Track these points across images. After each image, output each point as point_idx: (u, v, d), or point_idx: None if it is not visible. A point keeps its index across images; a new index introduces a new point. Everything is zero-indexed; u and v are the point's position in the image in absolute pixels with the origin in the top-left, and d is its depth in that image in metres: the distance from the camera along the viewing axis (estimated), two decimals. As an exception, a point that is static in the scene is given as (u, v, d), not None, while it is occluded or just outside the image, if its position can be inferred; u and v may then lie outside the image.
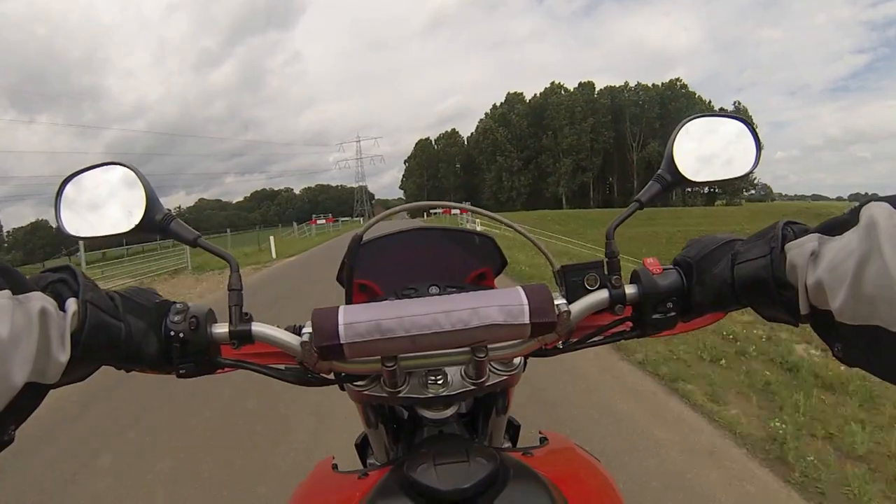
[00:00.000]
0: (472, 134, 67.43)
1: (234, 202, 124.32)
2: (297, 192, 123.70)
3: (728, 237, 0.45)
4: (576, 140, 56.25)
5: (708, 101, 60.57)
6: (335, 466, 0.58)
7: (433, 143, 71.17)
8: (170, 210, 0.49)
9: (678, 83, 58.46)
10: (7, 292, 0.30)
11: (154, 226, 0.48)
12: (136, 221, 0.48)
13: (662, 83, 58.99)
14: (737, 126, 0.52)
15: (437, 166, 68.54)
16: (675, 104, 55.66)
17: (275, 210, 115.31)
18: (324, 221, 29.50)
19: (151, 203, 0.48)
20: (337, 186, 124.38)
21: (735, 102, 61.83)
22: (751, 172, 0.52)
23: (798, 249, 0.34)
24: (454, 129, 71.46)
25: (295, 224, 26.99)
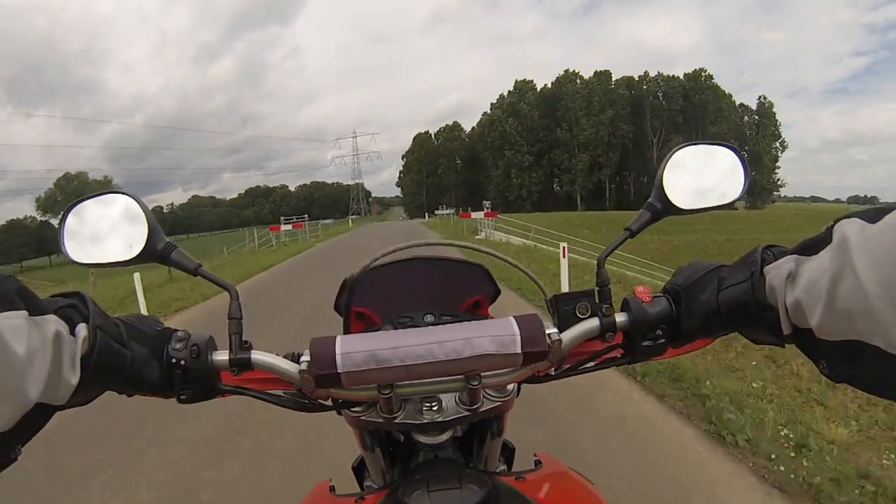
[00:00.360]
0: (474, 128, 62.19)
1: (227, 199, 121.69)
2: (292, 189, 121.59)
3: (714, 264, 0.46)
4: (593, 133, 50.82)
5: (729, 94, 55.25)
6: (332, 489, 0.59)
7: (433, 137, 66.53)
8: (170, 240, 0.51)
9: (703, 74, 53.99)
10: (24, 313, 0.31)
11: (155, 255, 0.50)
12: (138, 251, 0.49)
13: (685, 74, 54.68)
14: (726, 153, 0.53)
15: (437, 162, 63.76)
16: (700, 96, 52.09)
17: (269, 207, 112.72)
18: (289, 227, 20.81)
19: (153, 232, 0.49)
20: (333, 184, 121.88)
21: (760, 97, 55.91)
22: (739, 199, 0.53)
23: (776, 272, 0.35)
24: (456, 122, 66.50)
25: (255, 232, 18.64)
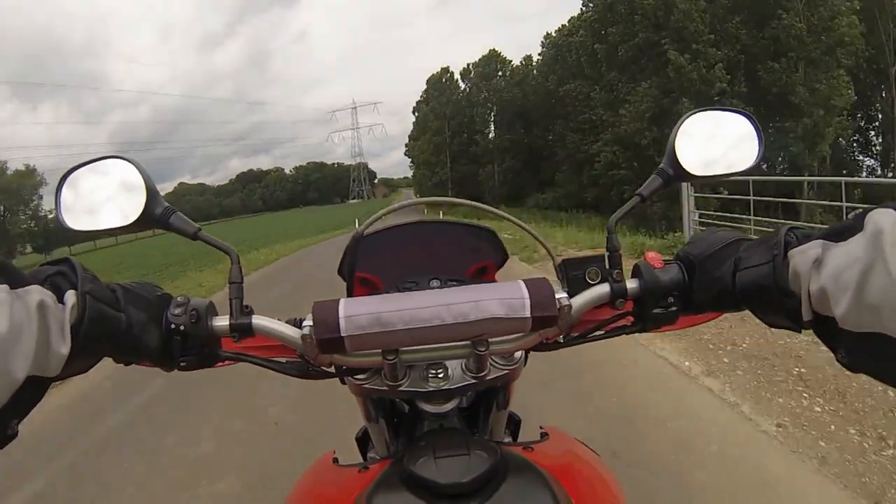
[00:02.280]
0: (530, 63, 35.95)
1: (215, 186, 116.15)
2: (287, 171, 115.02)
3: (733, 236, 0.45)
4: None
5: None
6: (336, 460, 0.60)
7: (458, 77, 40.16)
8: (169, 204, 0.50)
9: None
10: (5, 287, 0.30)
11: (154, 220, 0.49)
12: (137, 215, 0.49)
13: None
14: (741, 121, 0.53)
15: (470, 114, 37.86)
16: None
17: (260, 193, 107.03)
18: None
19: (151, 197, 0.49)
20: (333, 164, 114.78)
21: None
22: (754, 168, 0.52)
23: (801, 256, 0.34)
24: (494, 51, 38.44)
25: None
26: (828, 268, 0.32)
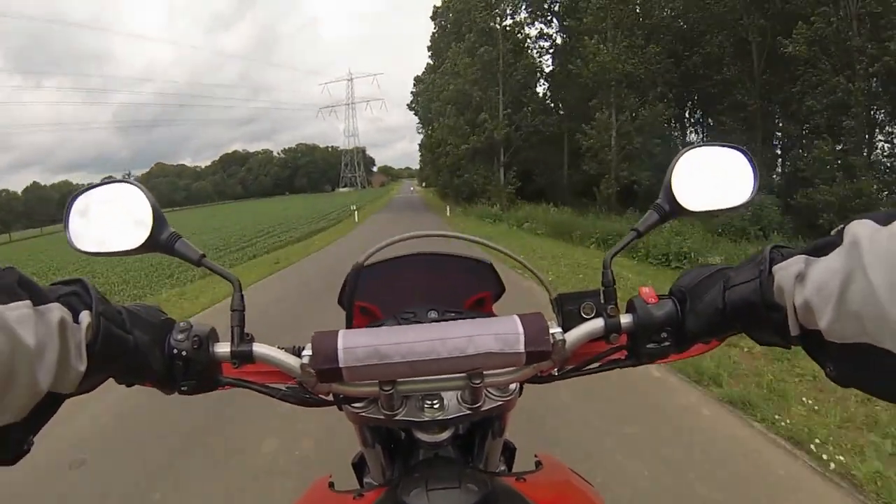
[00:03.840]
0: None
1: (196, 168, 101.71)
2: (276, 153, 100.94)
3: (720, 266, 0.47)
4: None
5: None
6: (332, 485, 0.60)
7: None
8: (175, 230, 0.51)
9: None
10: (28, 302, 0.32)
11: (159, 245, 0.50)
12: (142, 240, 0.50)
13: None
14: (735, 156, 0.54)
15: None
16: None
17: (242, 176, 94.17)
18: None
19: (157, 222, 0.50)
20: (327, 148, 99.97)
21: None
22: (748, 203, 0.53)
23: (784, 272, 0.36)
24: None
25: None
26: (810, 281, 0.33)
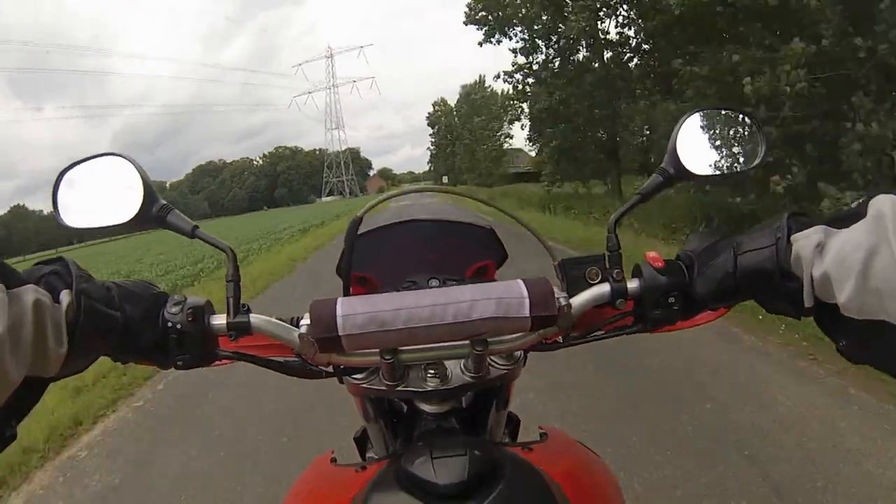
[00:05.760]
0: None
1: (169, 183, 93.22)
2: (256, 160, 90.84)
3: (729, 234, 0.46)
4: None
5: None
6: (334, 460, 0.60)
7: None
8: (167, 202, 0.50)
9: None
10: (0, 286, 0.31)
11: (151, 217, 0.50)
12: (134, 213, 0.49)
13: None
14: (742, 120, 0.54)
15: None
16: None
17: (212, 191, 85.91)
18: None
19: (148, 194, 0.49)
20: (313, 151, 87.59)
21: None
22: (755, 168, 0.53)
23: (804, 241, 0.35)
24: None
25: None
26: (831, 253, 0.32)
